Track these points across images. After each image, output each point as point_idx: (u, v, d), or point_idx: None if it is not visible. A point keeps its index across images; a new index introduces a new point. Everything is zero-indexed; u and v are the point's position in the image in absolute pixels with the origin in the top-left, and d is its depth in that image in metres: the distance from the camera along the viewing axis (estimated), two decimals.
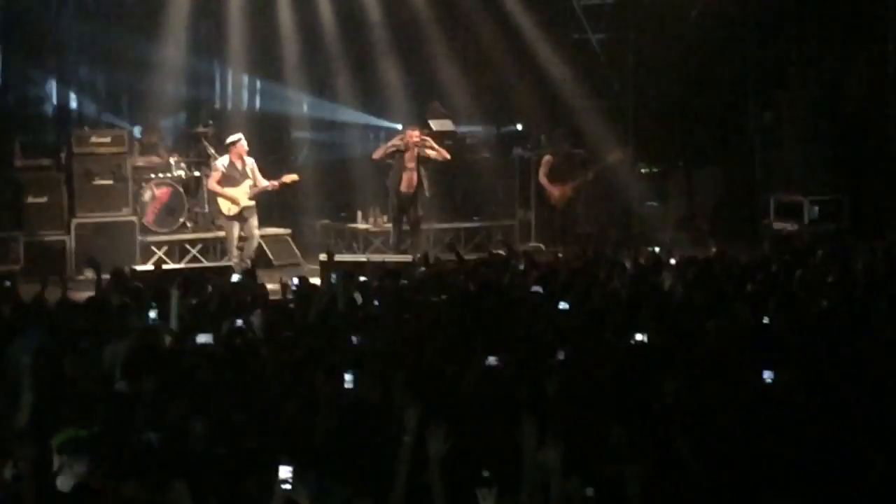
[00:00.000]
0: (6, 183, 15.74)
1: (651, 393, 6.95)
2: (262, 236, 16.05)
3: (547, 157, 17.08)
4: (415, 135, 15.82)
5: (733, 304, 9.63)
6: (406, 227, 16.14)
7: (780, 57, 18.67)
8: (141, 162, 16.67)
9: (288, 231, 17.12)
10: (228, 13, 18.05)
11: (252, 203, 15.30)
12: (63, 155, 16.27)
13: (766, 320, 9.10)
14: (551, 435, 5.63)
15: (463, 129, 18.60)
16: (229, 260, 15.21)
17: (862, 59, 17.86)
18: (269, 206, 16.57)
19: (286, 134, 19.46)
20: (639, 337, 8.29)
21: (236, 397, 7.17)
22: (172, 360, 8.07)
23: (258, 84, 19.90)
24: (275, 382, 7.60)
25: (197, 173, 16.79)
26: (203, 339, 8.47)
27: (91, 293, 11.15)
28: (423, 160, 15.77)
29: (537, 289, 10.54)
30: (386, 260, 14.19)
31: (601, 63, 19.27)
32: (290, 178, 15.54)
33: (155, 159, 16.82)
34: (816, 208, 17.05)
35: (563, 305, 9.64)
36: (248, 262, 14.73)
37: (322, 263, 13.38)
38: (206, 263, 15.75)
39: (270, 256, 16.38)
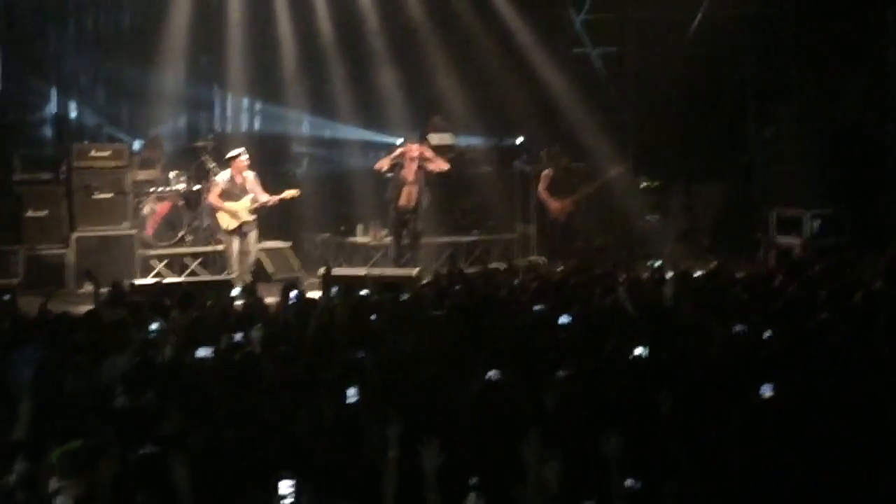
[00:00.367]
0: (6, 197, 15.77)
1: (651, 406, 6.93)
2: (262, 249, 16.04)
3: (546, 171, 17.10)
4: (413, 149, 15.85)
5: (733, 318, 9.61)
6: (406, 241, 16.16)
7: (779, 71, 18.69)
8: (141, 176, 16.68)
9: (288, 244, 17.12)
10: (227, 36, 18.06)
11: (252, 218, 15.29)
12: (63, 169, 16.25)
13: (766, 335, 9.07)
14: (551, 449, 5.62)
15: (463, 141, 18.62)
16: (229, 274, 15.19)
17: (861, 74, 17.86)
18: (270, 220, 16.55)
19: (286, 150, 19.43)
20: (639, 351, 8.27)
21: (235, 411, 7.16)
22: (172, 374, 8.06)
23: (257, 105, 19.88)
24: (274, 397, 7.58)
25: (197, 187, 16.77)
26: (202, 353, 8.46)
27: (91, 307, 11.16)
28: (422, 174, 15.79)
29: (539, 307, 10.51)
30: (385, 274, 14.19)
31: (601, 77, 19.32)
32: (290, 193, 15.44)
33: (155, 173, 16.83)
34: (817, 222, 17.03)
35: (563, 319, 9.63)
36: (248, 276, 14.72)
37: (322, 277, 13.37)
38: (205, 277, 15.73)
39: (270, 270, 16.38)
